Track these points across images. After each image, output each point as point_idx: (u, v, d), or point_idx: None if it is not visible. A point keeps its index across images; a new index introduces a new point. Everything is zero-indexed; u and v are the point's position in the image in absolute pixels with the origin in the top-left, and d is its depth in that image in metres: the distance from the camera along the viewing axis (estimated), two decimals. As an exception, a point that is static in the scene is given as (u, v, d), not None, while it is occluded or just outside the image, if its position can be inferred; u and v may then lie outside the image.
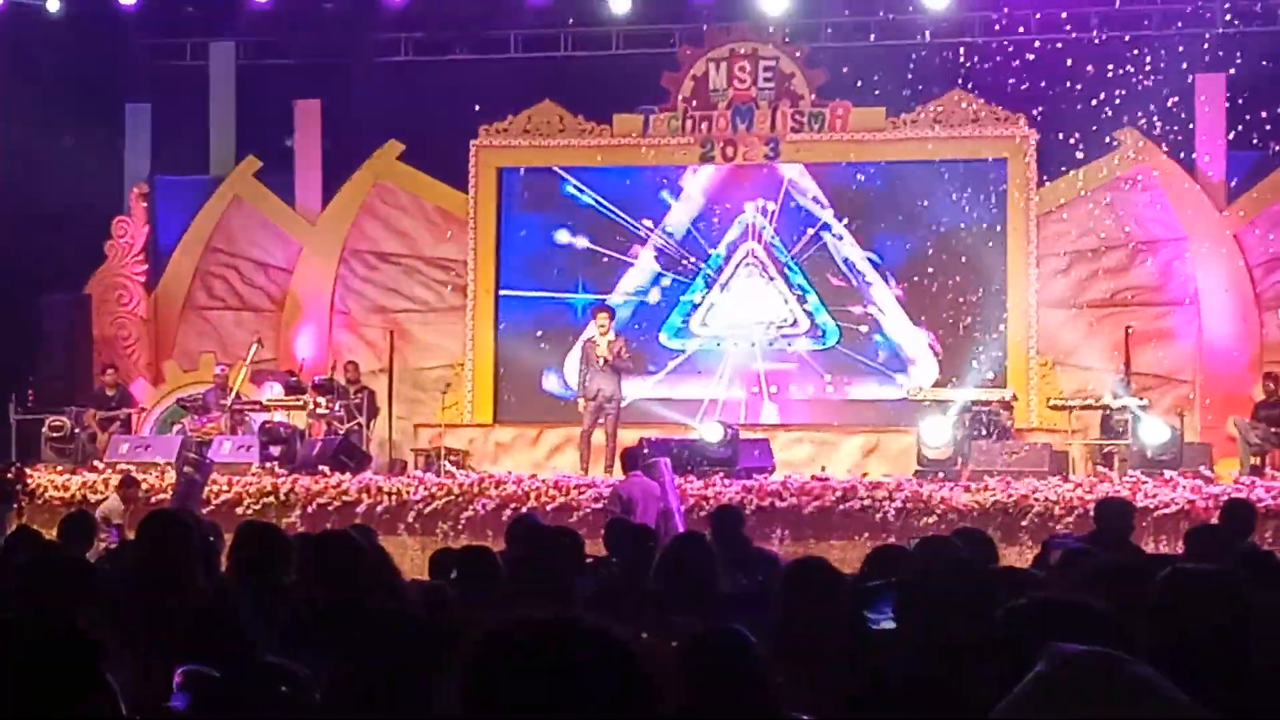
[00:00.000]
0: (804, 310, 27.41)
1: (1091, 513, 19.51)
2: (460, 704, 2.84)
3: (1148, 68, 25.13)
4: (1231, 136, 25.75)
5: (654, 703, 2.86)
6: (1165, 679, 2.83)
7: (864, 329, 27.26)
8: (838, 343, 27.31)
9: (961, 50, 26.36)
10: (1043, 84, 25.49)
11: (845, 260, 27.33)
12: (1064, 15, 25.62)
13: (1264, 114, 25.12)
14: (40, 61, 26.39)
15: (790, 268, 27.44)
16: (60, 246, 27.42)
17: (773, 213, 27.56)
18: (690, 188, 27.86)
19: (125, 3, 27.46)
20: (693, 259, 27.76)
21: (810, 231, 27.42)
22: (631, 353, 24.95)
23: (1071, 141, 25.81)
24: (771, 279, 27.48)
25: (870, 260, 27.22)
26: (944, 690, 5.07)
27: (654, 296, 27.87)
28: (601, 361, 24.10)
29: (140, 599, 7.06)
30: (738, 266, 27.65)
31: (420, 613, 6.71)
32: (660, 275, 27.83)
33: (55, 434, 25.49)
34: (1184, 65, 25.44)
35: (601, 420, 24.18)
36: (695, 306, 27.75)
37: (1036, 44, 25.83)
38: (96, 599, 6.85)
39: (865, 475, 22.29)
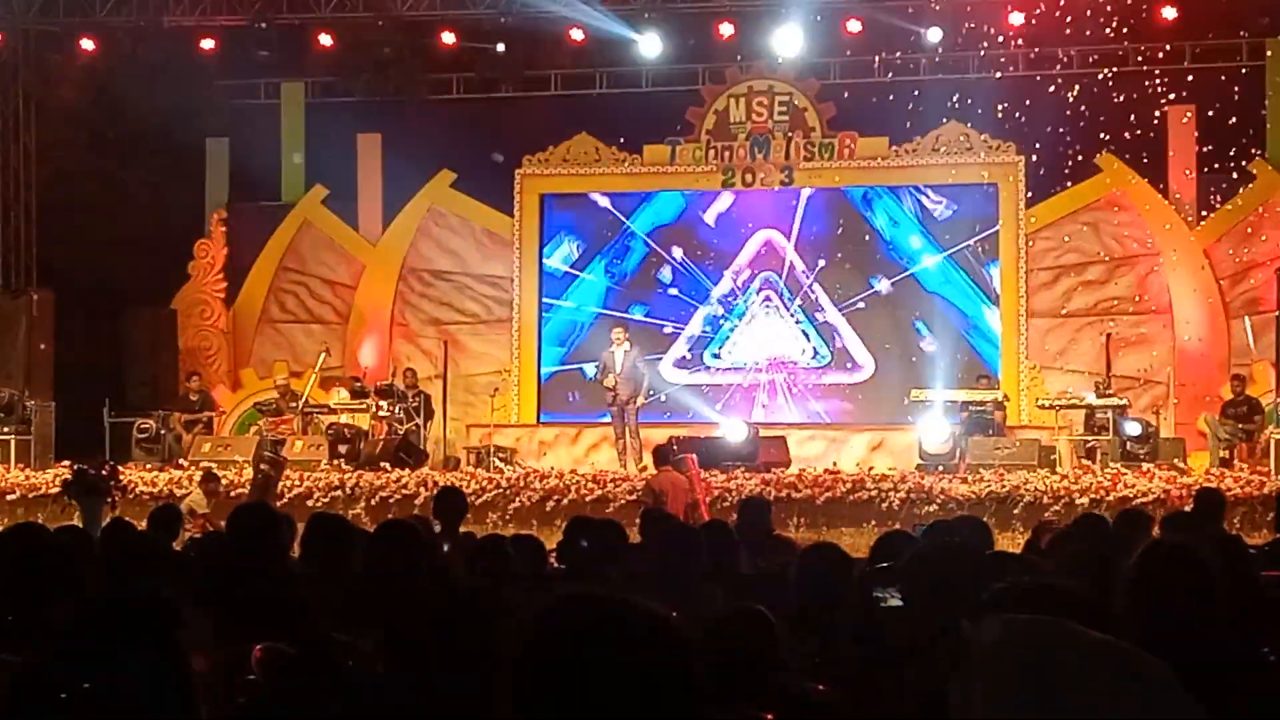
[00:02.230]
0: (822, 339, 27.49)
1: (1081, 501, 19.67)
2: (514, 677, 2.84)
3: (1125, 100, 25.12)
4: (1201, 161, 25.74)
5: (695, 679, 2.86)
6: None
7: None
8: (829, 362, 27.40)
9: (958, 85, 26.36)
10: (1031, 115, 25.48)
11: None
12: (1049, 53, 25.58)
13: (1229, 140, 25.13)
14: (131, 101, 26.44)
15: (811, 293, 27.50)
16: (149, 266, 27.58)
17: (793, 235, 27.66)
18: (709, 215, 27.92)
19: (206, 48, 27.56)
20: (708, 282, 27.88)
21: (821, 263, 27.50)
22: (646, 363, 25.07)
23: (1057, 167, 25.83)
24: (792, 315, 27.50)
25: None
26: (942, 661, 5.06)
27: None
28: (619, 370, 24.26)
29: (227, 582, 7.07)
30: (755, 296, 27.68)
31: (470, 594, 6.72)
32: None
33: (144, 435, 25.58)
34: (1157, 97, 25.44)
35: (625, 421, 24.31)
36: (715, 336, 27.87)
37: (1025, 79, 25.82)
38: (185, 581, 6.87)
39: (872, 469, 22.26)
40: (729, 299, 27.73)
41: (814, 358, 27.51)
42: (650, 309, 27.95)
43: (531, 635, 2.82)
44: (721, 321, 27.76)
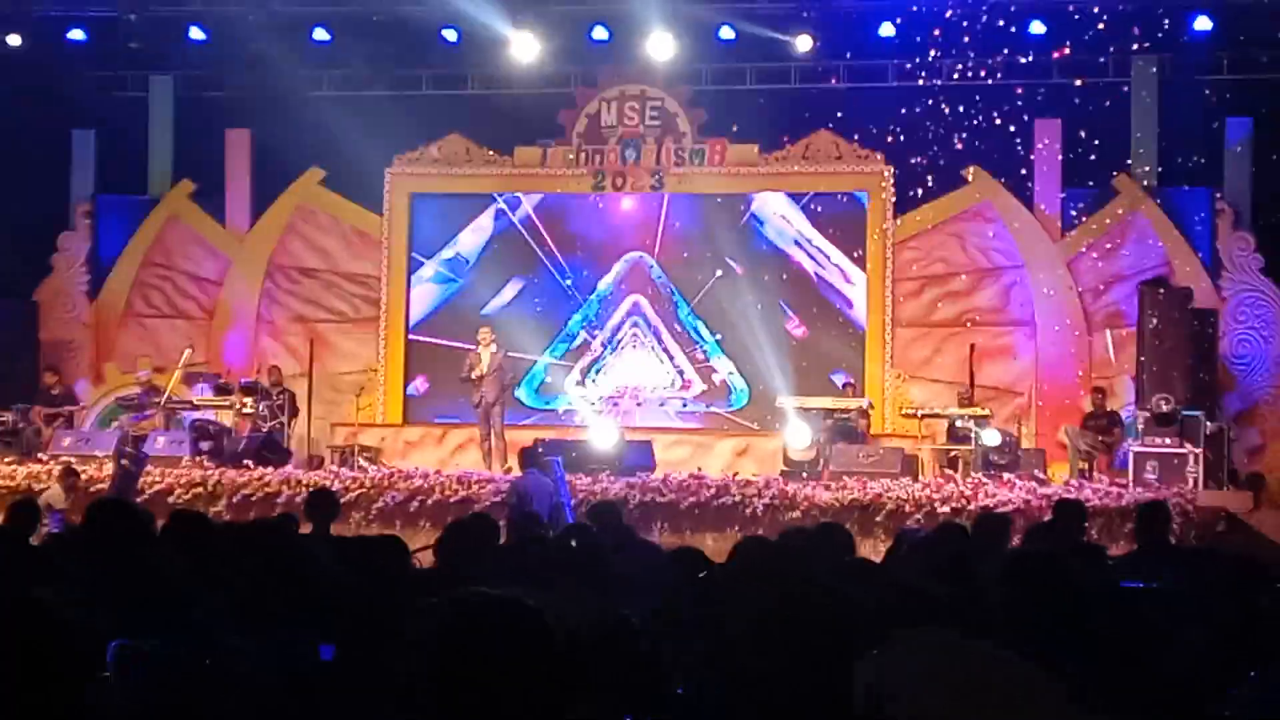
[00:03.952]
0: (694, 366, 27.49)
1: (943, 510, 19.84)
2: (417, 671, 2.84)
3: (993, 112, 25.40)
4: (1065, 175, 26.04)
5: (576, 674, 2.89)
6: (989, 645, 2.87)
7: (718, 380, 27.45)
8: (747, 403, 27.24)
9: (828, 94, 26.54)
10: (899, 125, 25.72)
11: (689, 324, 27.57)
12: (918, 65, 25.79)
13: (1094, 156, 25.45)
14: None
15: (681, 317, 27.51)
16: (11, 258, 27.19)
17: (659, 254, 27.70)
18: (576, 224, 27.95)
19: (74, 38, 27.24)
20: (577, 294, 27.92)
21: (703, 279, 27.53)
22: (509, 365, 24.98)
23: (924, 178, 26.02)
24: (659, 342, 27.53)
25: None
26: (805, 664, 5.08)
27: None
28: (485, 370, 24.19)
29: (84, 577, 6.99)
30: (622, 324, 27.70)
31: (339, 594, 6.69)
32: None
33: (2, 428, 25.28)
34: (1024, 111, 25.72)
35: (491, 423, 24.26)
36: (590, 366, 27.77)
37: (894, 90, 26.04)
38: (48, 577, 6.79)
39: (737, 474, 22.33)
40: (599, 318, 27.72)
41: (675, 385, 27.52)
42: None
43: (440, 631, 2.84)
44: (597, 345, 27.70)
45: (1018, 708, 2.69)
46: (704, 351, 27.35)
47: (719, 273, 27.25)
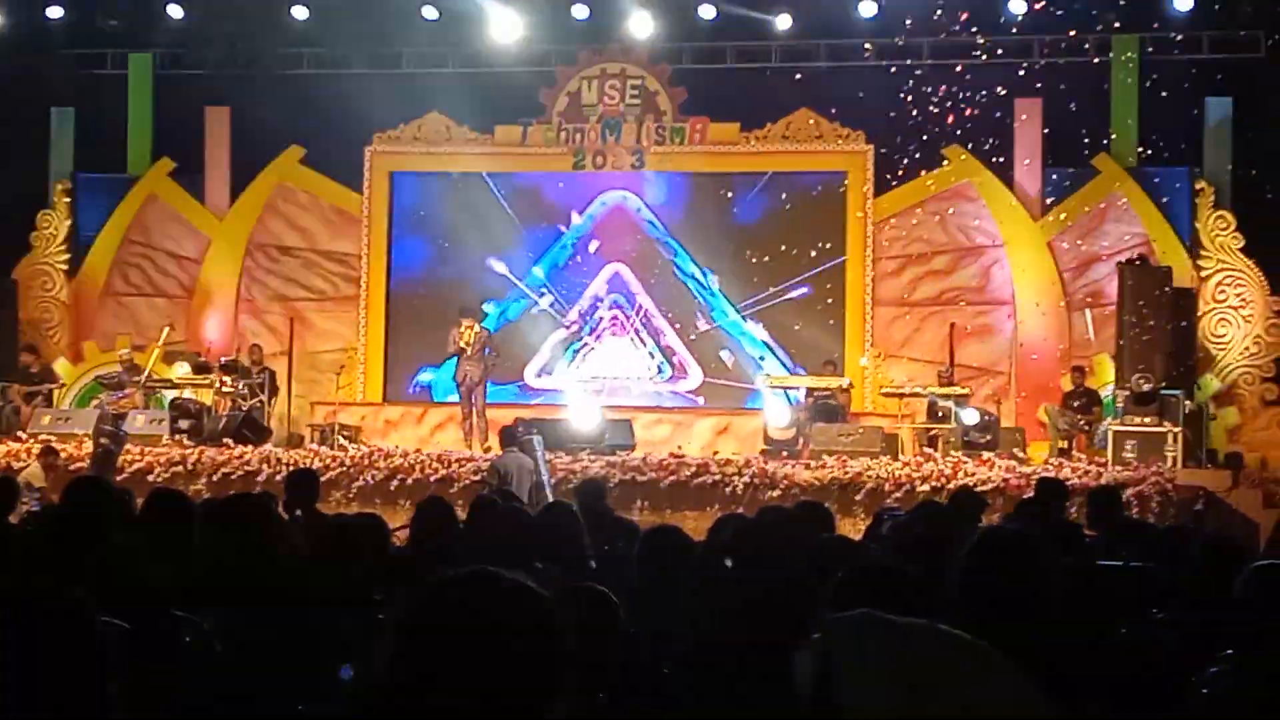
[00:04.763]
0: (662, 351, 27.45)
1: (923, 489, 19.90)
2: (392, 657, 2.86)
3: (973, 92, 25.40)
4: (1046, 154, 26.08)
5: (568, 651, 2.91)
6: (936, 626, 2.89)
7: (724, 353, 27.38)
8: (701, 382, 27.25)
9: (808, 73, 26.55)
10: (880, 105, 25.74)
11: (690, 276, 27.48)
12: (899, 43, 25.82)
13: (1074, 135, 25.49)
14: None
15: (684, 274, 27.49)
16: (-11, 237, 27.20)
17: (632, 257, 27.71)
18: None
19: (53, 15, 27.18)
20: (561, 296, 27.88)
21: (661, 260, 27.58)
22: (494, 345, 24.85)
23: (904, 157, 26.05)
24: (639, 336, 27.48)
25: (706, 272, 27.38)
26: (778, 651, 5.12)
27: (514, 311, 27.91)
28: (468, 350, 24.05)
29: (61, 555, 7.00)
30: (600, 299, 27.65)
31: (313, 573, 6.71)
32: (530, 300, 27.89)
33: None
34: (1005, 90, 25.73)
35: (473, 401, 24.21)
36: (568, 347, 27.73)
37: (874, 69, 26.04)
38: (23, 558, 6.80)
39: (716, 453, 22.36)
40: (568, 266, 27.72)
41: (665, 375, 27.49)
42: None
43: (412, 614, 2.86)
44: (572, 317, 27.64)
45: (968, 688, 2.71)
46: (709, 315, 27.35)
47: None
